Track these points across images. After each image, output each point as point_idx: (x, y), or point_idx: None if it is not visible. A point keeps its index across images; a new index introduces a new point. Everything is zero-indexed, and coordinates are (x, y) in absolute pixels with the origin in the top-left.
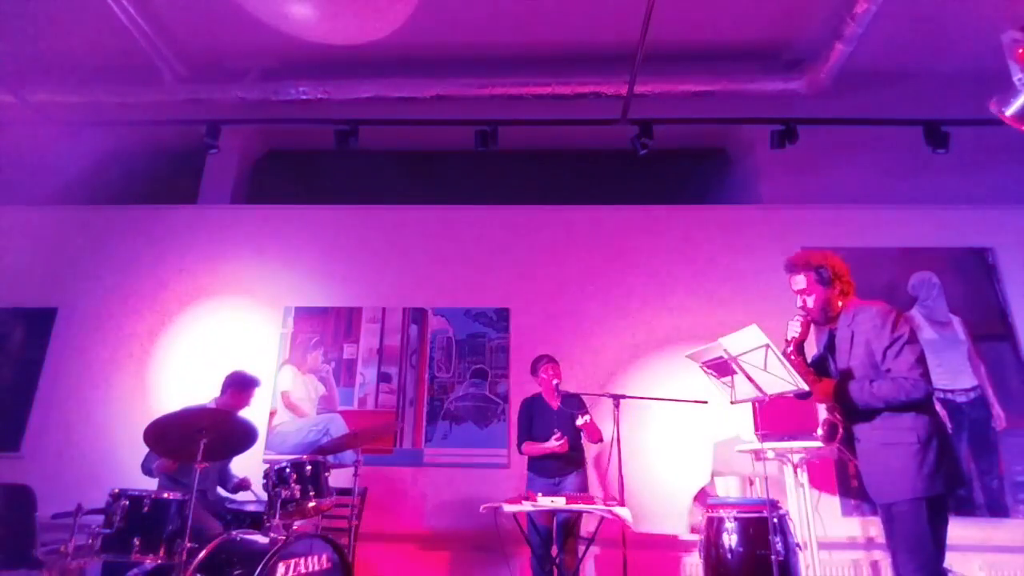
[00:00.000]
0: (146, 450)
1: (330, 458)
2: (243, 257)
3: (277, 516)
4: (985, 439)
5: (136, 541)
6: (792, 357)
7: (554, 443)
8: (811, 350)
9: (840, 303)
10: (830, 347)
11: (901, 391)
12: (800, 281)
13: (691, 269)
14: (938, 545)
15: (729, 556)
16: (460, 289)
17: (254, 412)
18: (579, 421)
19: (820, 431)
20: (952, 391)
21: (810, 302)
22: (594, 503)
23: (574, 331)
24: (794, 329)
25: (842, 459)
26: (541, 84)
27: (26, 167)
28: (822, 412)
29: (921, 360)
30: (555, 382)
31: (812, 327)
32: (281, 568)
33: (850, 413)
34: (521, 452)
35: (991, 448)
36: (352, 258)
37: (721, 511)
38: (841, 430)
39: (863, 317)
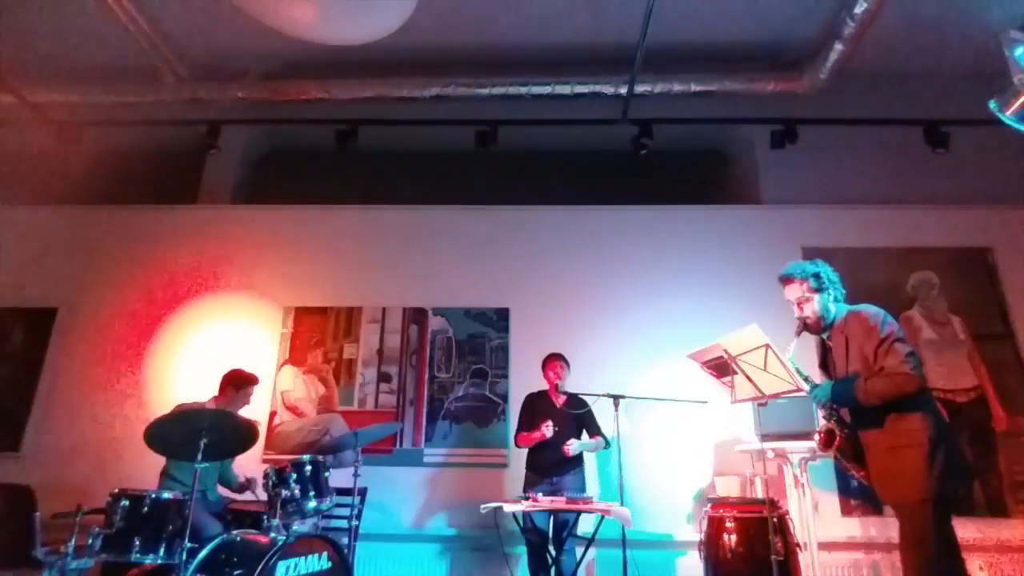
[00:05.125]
0: (145, 449)
1: (330, 458)
2: (243, 257)
3: (277, 516)
4: (985, 439)
5: (136, 541)
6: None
7: (543, 431)
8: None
9: (833, 309)
10: (823, 362)
11: (893, 385)
12: (796, 290)
13: (691, 269)
14: (946, 544)
15: (729, 556)
16: (460, 289)
17: (254, 412)
18: (568, 451)
19: (817, 438)
20: (952, 391)
21: (807, 309)
22: (593, 503)
23: (574, 331)
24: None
25: (841, 469)
26: (541, 84)
27: (26, 167)
28: (820, 420)
29: (911, 356)
30: (557, 381)
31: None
32: (281, 568)
33: (857, 419)
34: (516, 444)
35: (991, 448)
36: (352, 258)
37: (721, 511)
38: (839, 439)
39: (855, 322)
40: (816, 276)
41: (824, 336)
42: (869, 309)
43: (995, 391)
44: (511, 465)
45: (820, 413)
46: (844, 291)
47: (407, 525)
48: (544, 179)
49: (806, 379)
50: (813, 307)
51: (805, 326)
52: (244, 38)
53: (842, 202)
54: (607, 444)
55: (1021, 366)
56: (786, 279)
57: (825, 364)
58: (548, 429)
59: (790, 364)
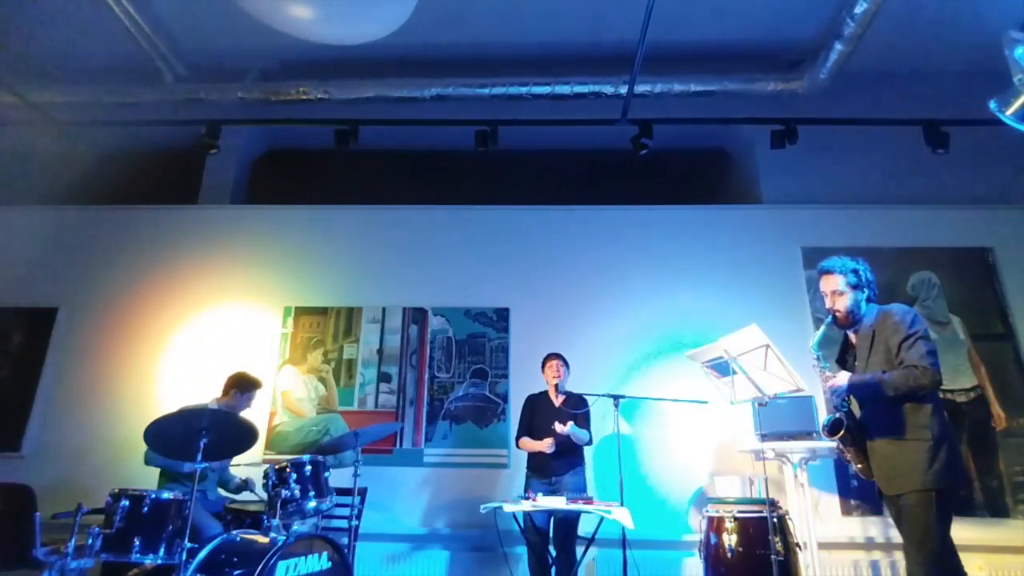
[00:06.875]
0: (144, 449)
1: (330, 458)
2: (243, 257)
3: (277, 516)
4: (985, 439)
5: (136, 541)
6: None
7: (543, 444)
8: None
9: (864, 307)
10: (840, 358)
11: (910, 377)
12: (835, 282)
13: (691, 269)
14: (946, 540)
15: (729, 556)
16: (460, 289)
17: (254, 412)
18: (559, 428)
19: (825, 423)
20: (952, 391)
21: (840, 303)
22: (594, 503)
23: (574, 331)
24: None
25: (841, 458)
26: (541, 84)
27: (26, 167)
28: (823, 412)
29: (932, 353)
30: (555, 381)
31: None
32: (281, 568)
33: (867, 410)
34: (517, 446)
35: (991, 448)
36: (352, 258)
37: (721, 511)
38: (845, 428)
39: (884, 318)
40: (855, 272)
41: (850, 332)
42: (900, 307)
43: (995, 391)
44: (511, 465)
45: (832, 402)
46: (878, 292)
47: (407, 525)
48: (544, 179)
49: (827, 367)
50: (845, 302)
51: (834, 319)
52: (244, 38)
53: (842, 202)
54: (590, 441)
55: (1021, 366)
56: (825, 271)
57: (842, 360)
58: (550, 447)
59: (814, 349)
